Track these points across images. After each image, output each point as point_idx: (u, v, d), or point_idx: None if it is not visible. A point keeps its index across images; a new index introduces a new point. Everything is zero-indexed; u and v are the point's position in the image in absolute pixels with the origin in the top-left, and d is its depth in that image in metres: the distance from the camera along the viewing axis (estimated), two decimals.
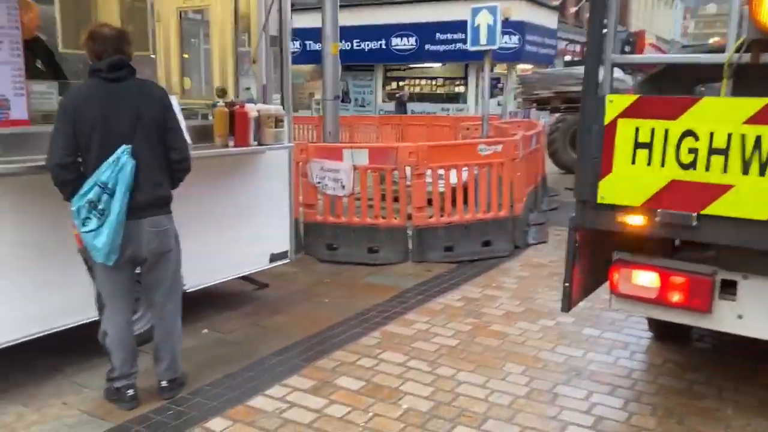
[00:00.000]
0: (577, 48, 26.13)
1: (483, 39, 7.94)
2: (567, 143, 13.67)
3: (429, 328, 4.63)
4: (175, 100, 3.59)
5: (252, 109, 4.54)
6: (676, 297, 3.00)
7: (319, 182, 6.53)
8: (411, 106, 24.00)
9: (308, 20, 25.03)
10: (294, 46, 25.40)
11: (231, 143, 4.45)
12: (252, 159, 4.86)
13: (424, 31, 22.88)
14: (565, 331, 4.60)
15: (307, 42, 25.04)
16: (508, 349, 4.27)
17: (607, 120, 2.81)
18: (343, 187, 6.45)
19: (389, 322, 4.73)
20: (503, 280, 5.78)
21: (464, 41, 22.22)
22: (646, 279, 3.07)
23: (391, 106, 24.38)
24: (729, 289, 2.93)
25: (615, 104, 2.79)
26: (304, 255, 6.57)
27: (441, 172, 6.41)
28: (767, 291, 2.82)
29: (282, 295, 5.42)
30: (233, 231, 4.81)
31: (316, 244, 6.61)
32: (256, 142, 4.58)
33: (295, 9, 21.13)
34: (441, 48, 22.82)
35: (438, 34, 22.75)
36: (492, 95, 20.75)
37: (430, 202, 6.42)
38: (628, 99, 2.75)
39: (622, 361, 4.09)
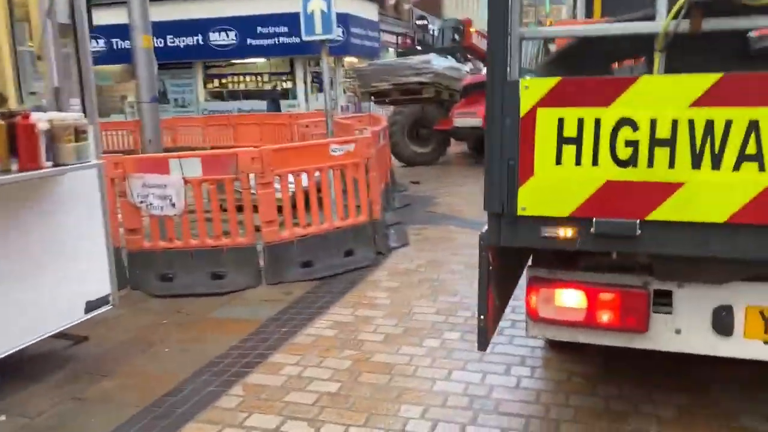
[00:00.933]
0: (399, 39, 26.38)
1: (318, 28, 7.22)
2: (406, 136, 13.44)
3: (301, 371, 3.83)
4: None
5: (41, 120, 3.42)
6: (606, 317, 2.52)
7: (142, 201, 5.41)
8: (237, 104, 22.69)
9: (114, 16, 22.62)
10: (99, 44, 23.03)
11: (14, 167, 3.31)
12: (47, 185, 3.71)
13: (245, 25, 21.67)
14: (454, 349, 4.05)
15: (114, 40, 22.66)
16: (400, 384, 3.61)
17: (523, 111, 2.23)
18: (173, 204, 5.40)
19: (251, 371, 3.86)
20: (374, 296, 5.13)
21: (288, 35, 21.76)
22: (571, 299, 2.56)
23: (215, 105, 22.88)
24: (663, 300, 2.50)
25: (531, 90, 2.20)
26: (130, 291, 5.43)
27: (290, 178, 5.60)
28: (705, 299, 2.43)
29: (107, 350, 4.29)
30: (30, 280, 3.64)
31: (146, 276, 5.49)
32: (50, 163, 3.46)
33: (98, 4, 18.97)
34: (264, 42, 21.77)
35: (260, 28, 21.67)
36: (320, 90, 20.22)
37: (280, 211, 5.60)
38: (548, 83, 2.18)
39: (525, 382, 3.61)
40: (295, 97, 22.37)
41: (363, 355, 4.03)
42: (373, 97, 11.57)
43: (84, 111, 3.92)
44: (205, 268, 5.47)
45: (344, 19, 20.66)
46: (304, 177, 5.68)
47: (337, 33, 7.33)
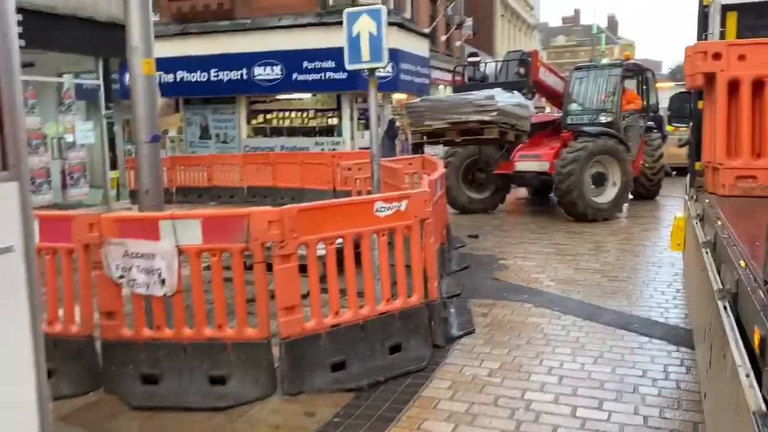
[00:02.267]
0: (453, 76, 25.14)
1: (365, 54, 5.88)
2: (460, 180, 11.93)
3: None
4: None
5: None
6: None
7: (122, 276, 4.04)
8: (280, 141, 21.68)
9: (156, 50, 22.18)
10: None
11: None
12: None
13: (291, 59, 20.74)
14: None
15: (157, 73, 22.06)
16: None
17: None
18: (163, 281, 4.00)
19: None
20: (435, 429, 3.57)
21: (335, 69, 20.68)
22: None
23: (257, 141, 21.92)
24: None
25: None
26: (103, 395, 4.03)
27: (321, 247, 4.17)
28: None
29: None
30: None
31: (124, 375, 4.08)
32: None
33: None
34: (310, 77, 20.75)
35: (306, 63, 20.70)
36: (366, 127, 18.81)
37: (306, 295, 4.15)
38: None
39: None
40: (340, 135, 21.21)
41: None
42: (425, 137, 10.13)
43: (4, 162, 2.56)
44: (201, 368, 4.04)
45: (394, 55, 19.54)
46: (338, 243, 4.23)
47: (387, 63, 5.95)
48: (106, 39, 12.26)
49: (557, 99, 13.15)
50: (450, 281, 6.53)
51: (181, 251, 3.99)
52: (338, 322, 4.19)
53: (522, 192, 14.09)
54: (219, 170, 15.79)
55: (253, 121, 22.82)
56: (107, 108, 13.49)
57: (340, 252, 4.24)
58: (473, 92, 9.87)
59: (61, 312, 4.21)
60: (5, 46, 2.53)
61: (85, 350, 4.13)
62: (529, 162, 11.47)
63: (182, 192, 15.72)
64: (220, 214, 4.03)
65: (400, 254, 4.51)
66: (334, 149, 20.06)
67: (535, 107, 14.21)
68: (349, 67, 5.94)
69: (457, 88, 13.15)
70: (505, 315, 5.50)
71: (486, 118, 9.10)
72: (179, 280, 4.01)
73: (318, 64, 20.53)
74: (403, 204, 4.48)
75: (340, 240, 4.23)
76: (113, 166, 14.55)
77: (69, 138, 12.73)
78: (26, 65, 12.94)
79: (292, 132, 21.94)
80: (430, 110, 9.65)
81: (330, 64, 20.06)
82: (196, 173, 15.99)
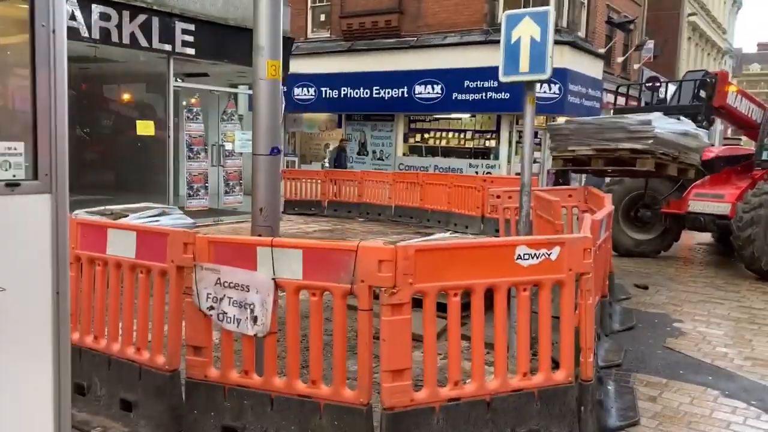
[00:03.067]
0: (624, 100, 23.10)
1: (524, 65, 4.98)
2: (621, 217, 10.39)
3: None
4: None
5: None
6: None
7: (212, 308, 3.49)
8: (435, 161, 21.13)
9: (324, 65, 22.76)
10: (309, 92, 23.22)
11: None
12: None
13: (452, 78, 20.17)
14: None
15: (323, 88, 22.64)
16: None
17: None
18: (255, 320, 3.40)
19: None
20: None
21: (497, 89, 19.75)
22: None
23: (411, 160, 21.58)
24: None
25: None
26: None
27: (443, 297, 3.32)
28: None
29: None
30: None
31: (204, 424, 3.52)
32: None
33: (311, 53, 18.71)
34: (470, 97, 20.02)
35: (467, 82, 20.02)
36: None
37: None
38: None
39: None
40: (496, 158, 20.19)
41: None
42: (570, 164, 8.79)
43: (35, 171, 2.05)
44: (289, 428, 3.36)
45: (562, 75, 18.23)
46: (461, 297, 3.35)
47: (549, 75, 4.98)
48: None
49: (752, 130, 11.13)
50: (609, 345, 5.34)
51: (278, 286, 3.36)
52: (458, 396, 3.30)
53: (702, 236, 12.13)
54: (369, 187, 15.51)
55: (411, 140, 22.56)
56: None
57: (466, 307, 3.36)
58: (627, 116, 8.38)
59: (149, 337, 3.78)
60: (47, 44, 2.02)
61: (169, 386, 3.63)
62: (706, 202, 9.69)
63: (333, 206, 15.67)
64: (325, 247, 3.33)
65: (545, 316, 3.52)
66: (488, 172, 19.12)
67: (727, 138, 12.17)
68: (503, 79, 5.07)
69: (616, 110, 11.60)
70: (681, 403, 4.24)
71: (639, 146, 7.61)
72: (273, 319, 3.38)
73: (479, 84, 19.76)
74: (555, 252, 3.49)
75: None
76: None
77: (228, 146, 13.08)
78: (200, 75, 13.58)
79: (447, 153, 21.32)
80: (575, 134, 8.33)
81: (492, 83, 19.21)
82: (348, 188, 15.85)
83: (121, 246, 3.83)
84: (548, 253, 3.47)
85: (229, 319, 3.47)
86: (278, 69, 4.38)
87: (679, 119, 8.51)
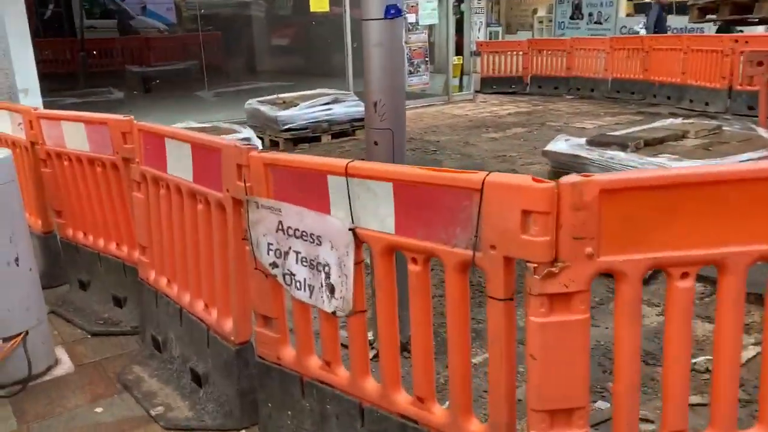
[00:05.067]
0: None
1: None
2: None
3: None
4: None
5: None
6: None
7: (275, 265, 2.29)
8: (673, 21, 17.35)
9: None
10: None
11: None
12: None
13: None
14: None
15: None
16: None
17: None
18: (332, 289, 2.13)
19: None
20: None
21: None
22: None
23: (636, 20, 17.98)
24: None
25: None
26: None
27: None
28: None
29: None
30: None
31: (280, 422, 2.46)
32: None
33: None
34: None
35: None
36: None
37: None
38: None
39: None
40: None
41: None
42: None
43: None
44: None
45: None
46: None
47: None
48: None
49: None
50: None
51: (360, 239, 2.02)
52: None
53: None
54: (581, 57, 13.03)
55: None
56: None
57: None
58: None
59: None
60: None
61: (237, 364, 2.59)
62: None
63: (537, 82, 13.60)
64: (430, 180, 1.84)
65: None
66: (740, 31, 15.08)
67: None
68: None
69: None
70: None
71: None
72: (359, 292, 2.09)
73: None
74: None
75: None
76: (458, 51, 13.12)
77: (410, 18, 11.54)
78: None
79: (684, 9, 17.28)
80: None
81: None
82: (554, 60, 13.53)
83: (179, 164, 2.76)
84: None
85: (298, 284, 2.25)
86: None
87: None
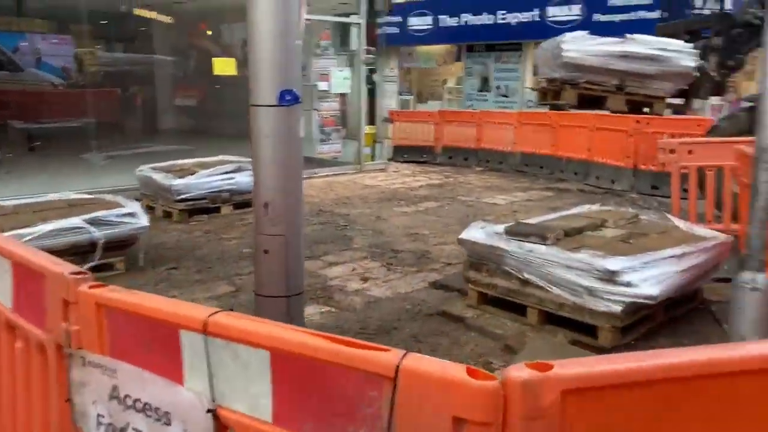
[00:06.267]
0: None
1: None
2: None
3: None
4: None
5: None
6: None
7: None
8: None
9: None
10: (426, 22, 20.80)
11: None
12: None
13: None
14: None
15: (441, 16, 20.10)
16: None
17: None
18: None
19: None
20: None
21: (649, 7, 16.23)
22: None
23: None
24: None
25: None
26: None
27: None
28: None
29: None
30: None
31: None
32: None
33: None
34: (616, 17, 16.70)
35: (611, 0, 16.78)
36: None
37: None
38: None
39: None
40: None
41: None
42: None
43: None
44: None
45: None
46: None
47: None
48: None
49: None
50: None
51: (224, 426, 1.42)
52: None
53: None
54: (490, 129, 13.13)
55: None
56: (368, 53, 11.68)
57: None
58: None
59: None
60: None
61: None
62: None
63: (448, 152, 13.52)
64: (327, 352, 1.30)
65: None
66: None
67: None
68: None
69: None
70: None
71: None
72: None
73: (628, 1, 16.39)
74: None
75: None
76: (371, 119, 12.94)
77: (322, 86, 11.25)
78: None
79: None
80: None
81: (645, 0, 15.83)
82: (465, 131, 13.55)
83: None
84: None
85: None
86: None
87: None
